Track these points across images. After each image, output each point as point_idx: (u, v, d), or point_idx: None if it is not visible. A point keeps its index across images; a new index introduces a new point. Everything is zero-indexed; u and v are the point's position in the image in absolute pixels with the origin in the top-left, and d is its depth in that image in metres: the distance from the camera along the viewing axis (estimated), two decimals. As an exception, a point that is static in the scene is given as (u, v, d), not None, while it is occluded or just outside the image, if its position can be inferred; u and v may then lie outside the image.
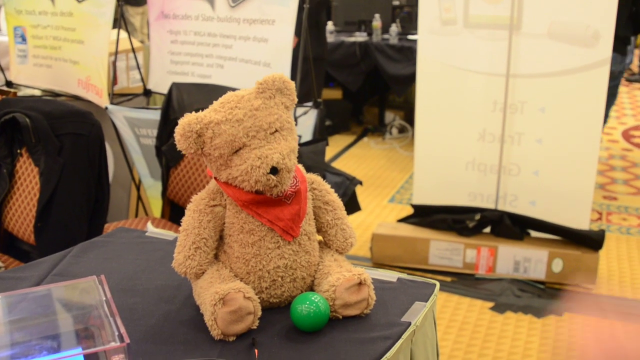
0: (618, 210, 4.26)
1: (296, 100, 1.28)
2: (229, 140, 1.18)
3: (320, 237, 1.35)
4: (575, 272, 3.18)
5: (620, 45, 3.86)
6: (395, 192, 4.63)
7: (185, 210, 1.28)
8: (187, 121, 1.19)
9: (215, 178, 1.26)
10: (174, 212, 2.71)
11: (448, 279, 3.31)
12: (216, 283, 1.21)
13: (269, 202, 1.22)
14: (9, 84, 3.53)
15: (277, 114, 1.22)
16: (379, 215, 4.18)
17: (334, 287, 1.22)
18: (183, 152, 1.21)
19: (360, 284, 1.24)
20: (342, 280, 1.23)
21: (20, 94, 3.38)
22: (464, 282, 3.27)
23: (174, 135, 1.20)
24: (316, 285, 1.29)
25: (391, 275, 1.44)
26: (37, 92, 3.45)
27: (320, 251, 1.34)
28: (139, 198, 3.32)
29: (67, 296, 1.11)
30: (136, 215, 3.34)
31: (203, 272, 1.26)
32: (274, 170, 1.17)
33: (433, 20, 3.23)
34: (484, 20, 3.12)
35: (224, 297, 1.16)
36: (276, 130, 1.21)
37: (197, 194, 1.29)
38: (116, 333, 0.91)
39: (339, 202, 1.35)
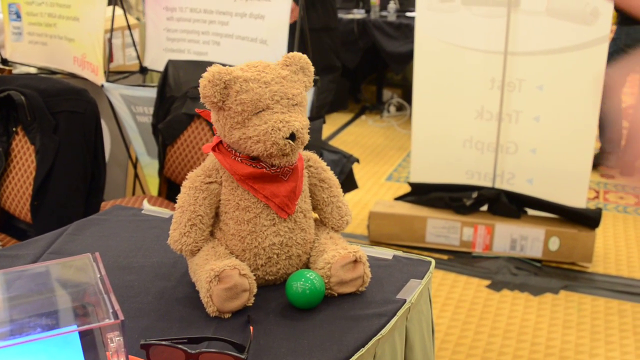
0: (615, 189, 4.27)
1: (312, 85, 1.29)
2: (255, 99, 1.18)
3: (316, 215, 1.35)
4: (571, 250, 3.19)
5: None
6: (392, 170, 4.63)
7: (181, 187, 1.28)
8: (217, 70, 1.18)
9: (214, 150, 1.25)
10: (170, 190, 2.71)
11: (445, 257, 3.32)
12: (212, 260, 1.21)
13: (265, 178, 1.22)
14: (4, 61, 3.51)
15: (300, 89, 1.24)
16: (376, 194, 4.19)
17: (330, 265, 1.22)
18: (205, 100, 1.20)
19: (355, 261, 1.24)
20: (337, 257, 1.23)
21: (15, 71, 3.36)
22: (460, 260, 3.28)
23: (199, 81, 1.19)
24: (312, 262, 1.29)
25: (387, 253, 1.44)
26: (33, 70, 3.43)
27: (316, 229, 1.34)
28: (136, 176, 3.31)
29: (62, 274, 1.10)
30: (133, 194, 3.34)
31: (199, 249, 1.26)
32: (293, 137, 1.17)
33: (431, -3, 3.21)
34: (482, -3, 3.10)
35: (220, 274, 1.16)
36: (297, 104, 1.22)
37: (192, 171, 1.28)
38: (110, 310, 0.91)
39: (335, 180, 1.35)
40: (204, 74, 1.19)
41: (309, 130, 1.24)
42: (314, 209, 1.34)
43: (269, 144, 1.17)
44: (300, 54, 1.27)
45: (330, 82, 4.96)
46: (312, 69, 1.28)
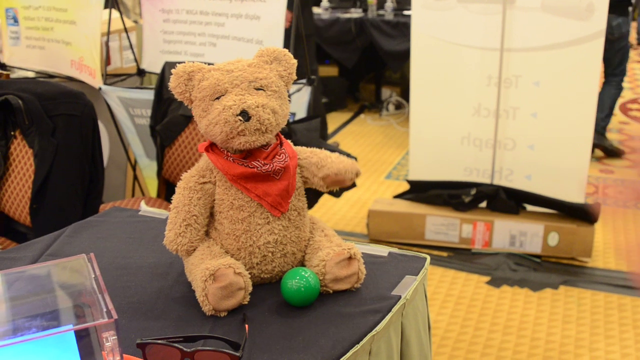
0: (614, 184, 4.27)
1: (294, 76, 1.29)
2: (213, 84, 1.21)
3: (310, 214, 1.35)
4: (571, 245, 3.20)
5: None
6: (392, 168, 4.63)
7: (176, 188, 1.29)
8: (184, 64, 1.25)
9: (207, 150, 1.27)
10: (169, 191, 2.72)
11: (444, 254, 3.32)
12: (207, 259, 1.22)
13: (257, 178, 1.22)
14: (2, 66, 3.52)
15: (267, 74, 1.24)
16: (375, 192, 4.19)
17: (324, 262, 1.23)
18: (174, 93, 1.26)
19: (350, 258, 1.25)
20: (332, 254, 1.24)
21: (13, 76, 3.37)
22: (460, 256, 3.29)
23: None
24: (307, 260, 1.30)
25: (382, 250, 1.44)
26: (31, 74, 3.44)
27: (311, 227, 1.34)
28: (135, 178, 3.32)
29: (57, 274, 1.11)
30: (133, 195, 3.35)
31: (194, 249, 1.26)
32: (245, 115, 1.18)
33: (426, -5, 3.21)
34: (477, -6, 3.11)
35: (215, 272, 1.16)
36: (261, 88, 1.23)
37: (186, 172, 1.29)
38: (104, 310, 0.92)
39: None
40: (173, 70, 1.25)
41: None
42: (320, 167, 1.28)
43: (221, 123, 1.19)
44: (275, 47, 1.29)
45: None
46: (293, 61, 1.29)
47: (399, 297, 1.24)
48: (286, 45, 2.72)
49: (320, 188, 1.31)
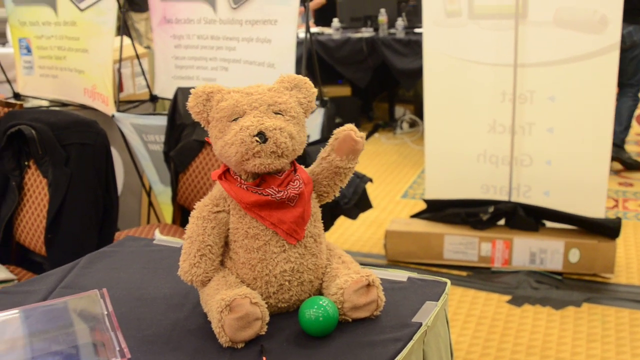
0: (635, 197, 4.21)
1: (313, 104, 1.28)
2: (232, 105, 1.20)
3: (326, 240, 1.33)
4: (592, 261, 3.14)
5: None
6: (407, 187, 4.60)
7: (189, 218, 1.27)
8: (203, 85, 1.25)
9: (220, 178, 1.25)
10: (184, 218, 2.71)
11: (464, 273, 3.27)
12: (222, 290, 1.19)
13: (271, 205, 1.20)
14: (16, 95, 3.54)
15: (287, 100, 1.23)
16: (392, 212, 4.16)
17: (342, 290, 1.20)
18: (192, 113, 1.25)
19: (368, 285, 1.22)
20: (350, 282, 1.21)
21: (27, 105, 3.39)
22: (479, 276, 3.24)
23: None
24: (324, 288, 1.27)
25: (401, 275, 1.41)
26: (45, 103, 3.46)
27: (328, 254, 1.31)
28: (150, 204, 3.31)
29: (71, 311, 1.09)
30: (148, 222, 3.34)
31: (209, 280, 1.24)
32: (262, 136, 1.16)
33: (437, 13, 3.20)
34: (489, 11, 3.09)
35: (230, 303, 1.14)
36: (280, 112, 1.21)
37: (200, 201, 1.27)
38: (117, 348, 0.90)
39: None
40: (192, 90, 1.25)
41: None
42: (323, 151, 1.29)
43: (237, 143, 1.17)
44: (295, 74, 1.27)
45: None
46: (313, 90, 1.28)
47: (420, 324, 1.21)
48: (297, 68, 2.71)
49: (340, 164, 1.26)
